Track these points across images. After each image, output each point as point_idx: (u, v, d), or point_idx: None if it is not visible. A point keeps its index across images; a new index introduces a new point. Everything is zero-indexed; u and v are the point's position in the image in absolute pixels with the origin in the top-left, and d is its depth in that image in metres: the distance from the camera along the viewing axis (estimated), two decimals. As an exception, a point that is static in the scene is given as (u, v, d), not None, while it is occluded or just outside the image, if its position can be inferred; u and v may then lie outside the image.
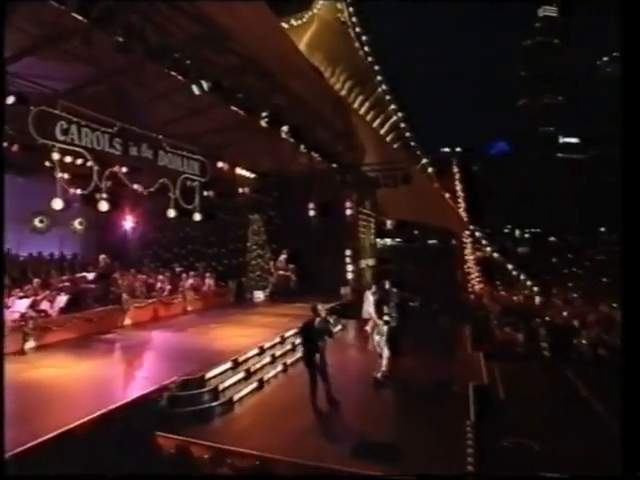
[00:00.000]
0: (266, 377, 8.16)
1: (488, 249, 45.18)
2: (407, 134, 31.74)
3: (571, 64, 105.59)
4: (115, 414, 5.74)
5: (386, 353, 8.23)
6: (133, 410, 5.96)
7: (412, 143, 32.57)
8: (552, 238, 74.77)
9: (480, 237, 44.88)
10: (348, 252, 18.45)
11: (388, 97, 29.49)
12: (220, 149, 15.19)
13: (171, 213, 12.51)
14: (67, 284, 11.37)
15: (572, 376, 10.62)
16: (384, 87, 28.89)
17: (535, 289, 35.41)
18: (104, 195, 10.10)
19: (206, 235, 18.39)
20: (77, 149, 9.52)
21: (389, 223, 29.30)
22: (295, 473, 5.05)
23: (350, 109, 18.80)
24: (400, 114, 30.60)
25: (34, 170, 10.84)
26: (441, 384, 7.97)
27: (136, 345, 9.81)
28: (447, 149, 78.12)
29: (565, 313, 20.50)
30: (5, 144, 9.52)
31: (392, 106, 29.95)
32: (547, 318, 19.78)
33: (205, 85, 7.89)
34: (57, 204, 8.98)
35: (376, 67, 27.76)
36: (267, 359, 8.85)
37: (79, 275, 11.99)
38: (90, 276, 11.71)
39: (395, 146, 27.51)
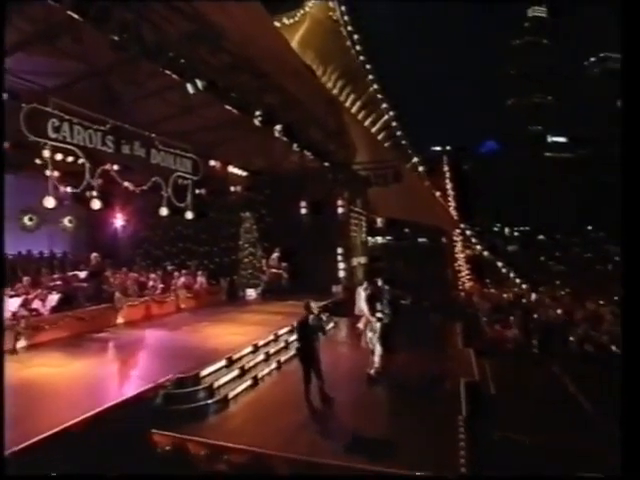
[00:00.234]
0: (260, 374, 8.21)
1: (478, 247, 45.60)
2: (398, 133, 31.89)
3: (560, 64, 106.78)
4: (111, 412, 5.75)
5: (379, 350, 8.32)
6: (128, 408, 5.97)
7: (403, 142, 32.73)
8: (541, 236, 75.70)
9: (470, 235, 45.27)
10: (340, 250, 18.54)
11: (379, 96, 29.61)
12: (212, 147, 15.19)
13: (163, 211, 12.50)
14: (58, 283, 11.30)
15: (560, 372, 10.84)
16: (375, 86, 28.99)
17: (524, 287, 35.85)
18: (94, 193, 10.09)
19: (198, 233, 18.38)
20: (69, 147, 9.47)
21: (379, 221, 29.48)
22: (291, 468, 5.11)
23: (342, 108, 18.86)
24: (391, 113, 30.72)
25: (23, 167, 10.75)
26: (433, 380, 8.09)
27: (129, 344, 9.78)
28: (438, 148, 78.66)
29: (553, 310, 20.82)
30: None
31: (383, 105, 30.08)
32: (536, 315, 20.09)
33: (200, 84, 7.90)
34: (49, 202, 8.93)
35: (368, 66, 27.84)
36: (261, 357, 8.90)
37: (71, 273, 11.91)
38: (82, 274, 11.65)
39: (386, 145, 27.64)
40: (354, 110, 27.29)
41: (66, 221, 10.73)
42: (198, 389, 6.83)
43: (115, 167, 11.04)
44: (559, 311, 20.39)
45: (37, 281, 11.41)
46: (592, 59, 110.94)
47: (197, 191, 14.13)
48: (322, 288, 16.25)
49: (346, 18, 25.72)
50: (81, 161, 10.01)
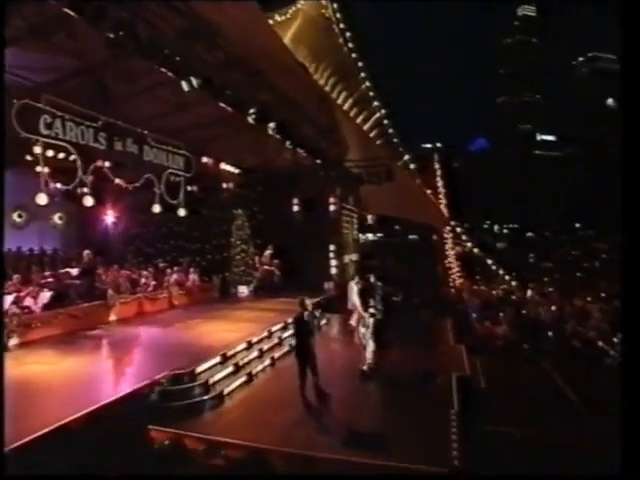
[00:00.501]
0: (255, 371, 8.28)
1: (468, 244, 46.02)
2: (390, 130, 32.03)
3: (549, 63, 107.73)
4: (106, 409, 5.77)
5: (371, 346, 8.41)
6: (124, 405, 5.99)
7: (395, 140, 32.88)
8: (530, 234, 76.53)
9: (460, 233, 45.67)
10: (332, 247, 18.62)
11: (371, 94, 29.68)
12: (205, 144, 15.16)
13: (156, 208, 12.49)
14: (50, 280, 11.23)
15: (549, 367, 11.07)
16: (367, 84, 29.06)
17: (513, 284, 36.30)
18: (85, 190, 10.05)
19: (190, 230, 18.32)
20: (61, 143, 9.41)
21: (370, 218, 29.63)
22: (287, 463, 5.19)
23: (334, 105, 18.91)
24: (383, 111, 30.83)
25: (11, 164, 10.64)
26: (425, 375, 8.22)
27: (123, 341, 9.78)
28: (428, 145, 79.04)
29: (542, 307, 21.13)
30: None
31: (375, 103, 30.17)
32: (524, 312, 20.39)
33: (195, 82, 7.91)
34: (42, 199, 8.89)
35: (360, 63, 27.89)
36: (255, 353, 8.95)
37: (63, 271, 11.85)
38: (74, 272, 11.59)
39: (378, 142, 27.75)
40: (346, 107, 27.36)
41: (56, 218, 10.66)
42: (194, 385, 6.88)
43: (107, 164, 11.01)
44: (547, 308, 20.71)
45: (28, 278, 11.33)
46: (581, 58, 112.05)
47: (189, 188, 14.11)
48: (314, 285, 16.33)
49: (338, 16, 25.74)
50: (72, 158, 9.97)
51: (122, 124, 10.82)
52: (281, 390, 7.52)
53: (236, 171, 18.12)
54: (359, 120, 28.52)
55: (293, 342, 9.65)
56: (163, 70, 7.62)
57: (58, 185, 10.21)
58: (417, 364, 8.97)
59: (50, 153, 9.90)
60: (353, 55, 27.16)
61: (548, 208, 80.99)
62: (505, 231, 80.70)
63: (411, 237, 46.77)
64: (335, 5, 25.45)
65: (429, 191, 39.15)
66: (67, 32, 7.63)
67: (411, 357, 9.44)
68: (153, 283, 13.71)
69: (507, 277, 39.47)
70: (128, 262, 15.76)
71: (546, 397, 8.81)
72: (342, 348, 10.68)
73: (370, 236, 41.88)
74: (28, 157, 9.61)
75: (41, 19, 7.54)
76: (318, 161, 16.46)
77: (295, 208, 18.32)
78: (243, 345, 8.92)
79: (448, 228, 41.66)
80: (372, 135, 28.56)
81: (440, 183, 45.28)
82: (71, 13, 5.79)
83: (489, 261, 43.72)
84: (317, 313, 7.64)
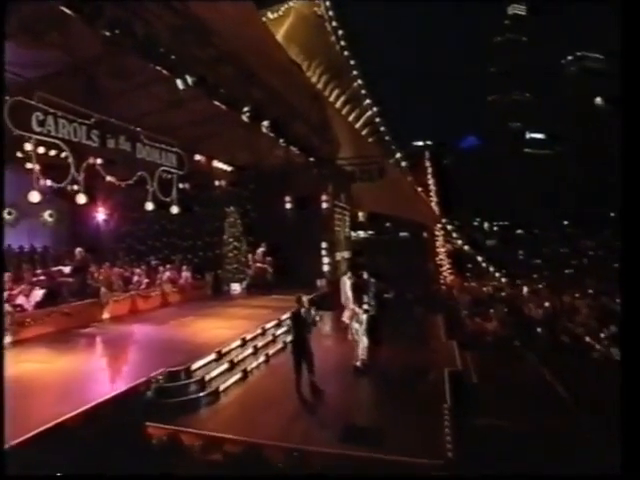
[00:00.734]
0: (249, 368, 8.34)
1: (459, 242, 46.42)
2: (382, 128, 32.16)
3: (538, 62, 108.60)
4: (103, 407, 5.79)
5: (365, 342, 8.50)
6: (121, 402, 6.02)
7: (386, 137, 33.02)
8: (519, 231, 77.32)
9: (451, 230, 46.04)
10: (324, 245, 18.71)
11: (363, 92, 29.75)
12: (197, 142, 15.14)
13: (149, 206, 12.46)
14: (42, 278, 11.15)
15: (538, 362, 11.29)
16: (360, 82, 29.12)
17: (503, 280, 36.74)
18: (75, 187, 9.99)
19: (182, 228, 18.27)
20: (54, 140, 9.35)
21: (361, 215, 29.77)
22: (284, 457, 5.27)
23: (327, 103, 18.98)
24: (375, 109, 30.94)
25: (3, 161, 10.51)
26: (418, 371, 8.33)
27: (117, 339, 9.77)
28: (419, 143, 79.40)
29: (531, 303, 21.47)
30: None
31: (367, 101, 30.26)
32: (513, 308, 20.71)
33: (189, 80, 7.92)
34: (34, 197, 8.82)
35: (352, 62, 27.93)
36: (249, 350, 9.01)
37: (55, 269, 11.76)
38: (66, 269, 11.52)
39: (370, 140, 27.87)
40: (338, 105, 27.42)
41: (46, 215, 10.57)
42: (190, 382, 6.92)
43: (98, 161, 10.95)
44: (537, 304, 21.04)
45: (19, 276, 11.24)
46: (569, 58, 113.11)
47: (181, 185, 14.10)
48: (306, 282, 16.39)
49: (331, 13, 25.75)
50: (64, 155, 9.91)
51: (115, 121, 10.77)
52: (276, 386, 7.60)
53: (229, 169, 18.11)
54: (351, 118, 28.61)
55: (288, 339, 9.77)
56: (158, 68, 7.60)
57: (48, 182, 10.15)
58: (410, 360, 9.09)
59: (41, 150, 9.85)
60: (345, 53, 27.21)
61: (537, 206, 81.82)
62: (495, 228, 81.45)
63: (402, 234, 47.00)
64: (327, 3, 25.46)
65: (420, 189, 39.41)
66: (59, 28, 7.61)
67: (404, 353, 9.57)
68: (146, 281, 13.68)
69: (497, 274, 39.93)
70: (120, 260, 15.68)
71: (535, 391, 9.01)
72: (335, 344, 10.76)
73: (361, 233, 42.05)
74: (19, 154, 9.57)
75: (33, 14, 7.51)
76: (311, 159, 16.52)
77: (287, 206, 18.39)
78: (238, 342, 8.97)
79: (439, 225, 41.98)
80: (364, 133, 28.67)
81: (431, 181, 45.57)
82: (68, 12, 5.76)
83: (479, 258, 44.19)
84: (313, 310, 7.72)
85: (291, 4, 24.27)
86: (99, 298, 11.26)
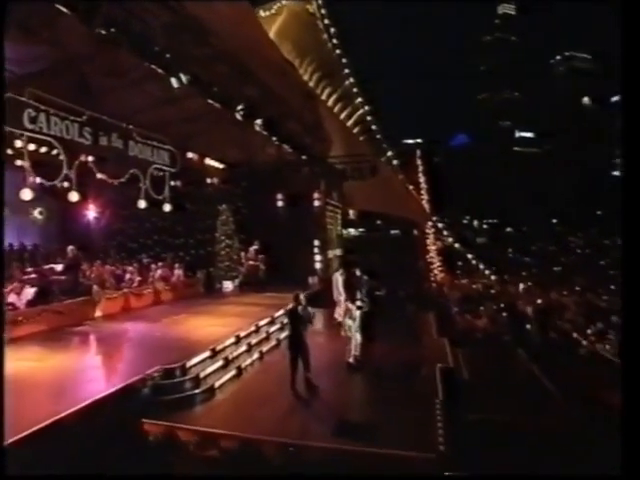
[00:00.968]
0: (244, 365, 8.40)
1: (449, 239, 46.80)
2: (373, 127, 32.27)
3: (527, 61, 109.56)
4: (100, 404, 5.81)
5: (358, 338, 8.59)
6: (117, 400, 6.04)
7: (378, 136, 33.15)
8: (508, 229, 78.06)
9: (442, 228, 46.41)
10: (316, 242, 18.78)
11: (355, 90, 29.83)
12: (189, 139, 15.10)
13: (141, 204, 12.43)
14: (34, 276, 11.08)
15: (526, 357, 11.51)
16: (351, 80, 29.18)
17: (493, 278, 37.14)
18: (66, 184, 9.94)
19: (173, 225, 18.23)
20: (46, 138, 9.30)
21: (352, 213, 29.89)
22: (280, 452, 5.35)
23: (319, 101, 19.03)
24: (367, 107, 31.02)
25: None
26: (411, 367, 8.47)
27: (111, 337, 9.75)
28: (410, 141, 79.75)
29: (520, 300, 21.78)
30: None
31: (359, 99, 30.34)
32: (503, 305, 21.00)
33: (184, 78, 7.93)
34: (26, 194, 8.78)
35: (343, 60, 27.98)
36: (244, 347, 9.07)
37: (47, 266, 11.68)
38: (58, 267, 11.46)
39: (361, 138, 27.97)
40: (330, 103, 27.48)
41: (36, 212, 10.52)
42: (185, 379, 6.97)
43: (90, 158, 10.90)
44: (525, 301, 21.35)
45: (8, 274, 11.14)
46: (558, 57, 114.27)
47: (172, 183, 14.07)
48: (298, 280, 16.44)
49: (322, 11, 25.76)
50: (54, 152, 9.85)
51: (107, 119, 10.73)
52: (271, 383, 7.68)
53: (221, 166, 18.09)
54: (343, 116, 28.69)
55: (281, 336, 9.86)
56: (153, 66, 7.60)
57: (37, 180, 10.07)
58: (402, 356, 9.22)
59: (31, 147, 9.78)
60: (337, 51, 27.24)
61: (526, 204, 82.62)
62: (485, 226, 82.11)
63: (393, 232, 47.22)
64: (319, 1, 25.45)
65: (411, 187, 39.65)
66: (49, 24, 7.57)
67: (396, 349, 9.68)
68: (138, 279, 13.64)
69: (487, 272, 40.35)
70: (111, 257, 15.61)
71: (524, 386, 9.20)
72: (327, 341, 10.84)
73: (352, 231, 42.20)
74: (9, 151, 9.49)
75: (23, 10, 7.45)
76: (303, 157, 16.58)
77: (280, 203, 18.43)
78: (232, 339, 9.02)
79: (429, 223, 42.29)
80: (355, 131, 28.77)
81: (422, 179, 45.86)
82: (64, 10, 5.75)
83: (469, 256, 44.58)
84: (310, 308, 7.81)
85: (283, 2, 24.22)
86: (91, 296, 11.21)
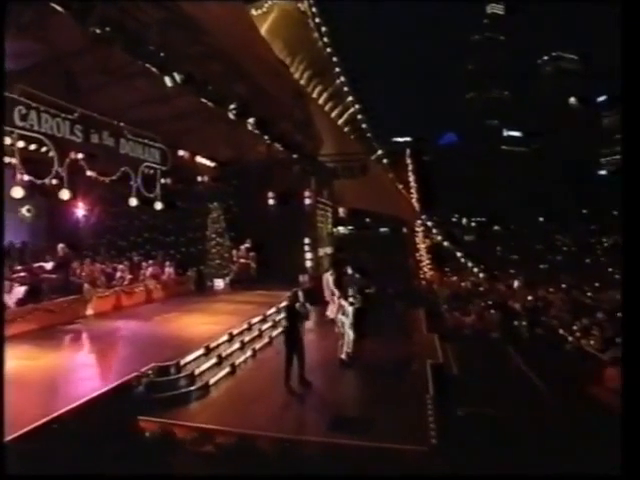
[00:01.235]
0: (237, 362, 8.47)
1: (438, 237, 47.19)
2: (364, 125, 32.38)
3: (516, 61, 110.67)
4: (95, 402, 5.84)
5: (351, 335, 8.71)
6: (112, 397, 6.07)
7: (368, 134, 33.28)
8: (496, 227, 78.90)
9: (431, 226, 46.77)
10: (307, 240, 18.84)
11: (346, 89, 29.90)
12: (180, 137, 15.07)
13: (133, 202, 12.40)
14: (23, 274, 10.99)
15: (514, 353, 11.75)
16: (342, 79, 29.25)
17: (481, 275, 37.57)
18: (55, 182, 9.89)
19: (164, 223, 18.14)
20: (37, 135, 9.24)
21: (342, 211, 29.98)
22: (276, 447, 5.44)
23: (310, 100, 19.08)
24: (358, 106, 31.11)
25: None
26: (402, 363, 8.62)
27: (102, 335, 9.74)
28: (399, 139, 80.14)
29: (508, 297, 22.10)
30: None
31: (349, 98, 30.42)
32: (491, 302, 21.29)
33: (178, 77, 7.95)
34: (17, 192, 8.72)
35: (335, 58, 28.03)
36: (237, 345, 9.13)
37: (37, 265, 11.59)
38: (48, 266, 11.37)
39: (352, 137, 28.07)
40: (321, 102, 27.52)
41: (24, 210, 10.43)
42: (180, 377, 7.02)
43: (80, 156, 10.84)
44: (513, 298, 21.68)
45: (-2, 272, 11.04)
46: (545, 57, 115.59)
47: (163, 181, 14.04)
48: (289, 278, 16.51)
49: (314, 10, 25.78)
50: (44, 149, 9.79)
51: (98, 116, 10.69)
52: (264, 379, 7.77)
53: (211, 164, 18.06)
54: (334, 115, 28.75)
55: (274, 333, 9.95)
56: (147, 65, 7.61)
57: (26, 177, 9.98)
58: (393, 352, 9.36)
59: (21, 144, 9.69)
60: (328, 50, 27.28)
61: (514, 202, 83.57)
62: (473, 224, 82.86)
63: (382, 230, 47.41)
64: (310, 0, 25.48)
65: (401, 186, 39.89)
66: (39, 19, 7.52)
67: (387, 346, 9.83)
68: (129, 277, 13.60)
69: (475, 269, 40.77)
70: (100, 255, 15.51)
71: (512, 381, 9.42)
72: (319, 338, 10.95)
73: (342, 229, 42.30)
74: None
75: (15, 7, 7.40)
76: (294, 155, 16.62)
77: (270, 202, 18.45)
78: (225, 337, 9.08)
79: (419, 221, 42.60)
80: (346, 130, 28.85)
81: (412, 177, 46.15)
82: (59, 8, 5.75)
83: (458, 254, 45.00)
84: (307, 305, 7.91)
85: (275, 1, 24.18)
86: (82, 294, 11.17)
